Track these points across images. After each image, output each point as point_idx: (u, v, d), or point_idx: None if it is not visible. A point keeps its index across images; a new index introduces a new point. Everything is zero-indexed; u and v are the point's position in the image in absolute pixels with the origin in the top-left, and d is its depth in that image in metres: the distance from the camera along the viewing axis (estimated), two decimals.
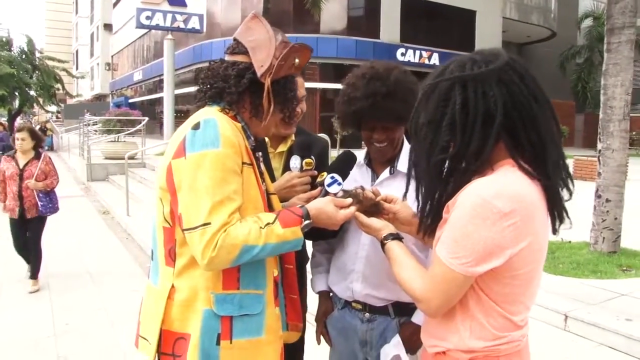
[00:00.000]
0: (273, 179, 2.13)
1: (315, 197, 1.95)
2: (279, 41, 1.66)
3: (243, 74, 1.65)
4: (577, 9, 34.62)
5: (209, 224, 1.47)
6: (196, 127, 1.55)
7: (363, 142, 2.09)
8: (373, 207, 1.77)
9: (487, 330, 1.39)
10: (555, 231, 1.46)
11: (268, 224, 1.56)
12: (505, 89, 1.34)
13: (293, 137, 2.31)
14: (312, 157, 2.07)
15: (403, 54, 26.26)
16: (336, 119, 2.19)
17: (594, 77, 29.92)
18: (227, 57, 1.73)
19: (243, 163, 1.59)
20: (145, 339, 1.67)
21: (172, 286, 1.61)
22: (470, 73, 1.36)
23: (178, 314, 1.60)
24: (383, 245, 1.64)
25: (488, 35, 28.18)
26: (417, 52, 26.79)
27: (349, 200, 1.75)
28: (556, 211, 1.43)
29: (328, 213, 1.69)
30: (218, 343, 1.58)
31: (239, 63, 1.67)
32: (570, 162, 14.68)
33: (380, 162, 2.11)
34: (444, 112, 1.37)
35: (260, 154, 1.81)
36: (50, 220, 6.10)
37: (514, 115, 1.34)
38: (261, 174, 1.76)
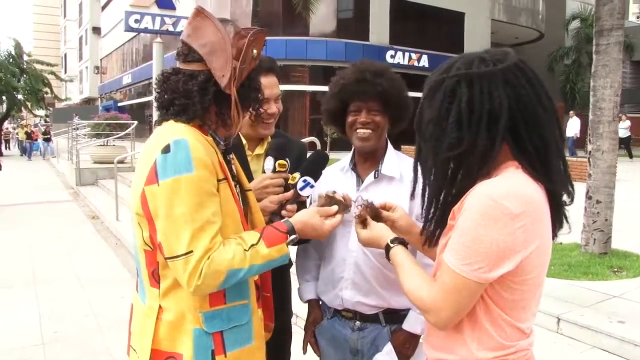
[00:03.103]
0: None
1: (287, 199, 1.91)
2: (231, 34, 1.54)
3: (205, 87, 1.53)
4: (564, 10, 34.88)
5: (191, 252, 1.42)
6: (166, 150, 1.46)
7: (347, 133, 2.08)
8: (372, 217, 1.72)
9: (495, 340, 1.35)
10: (555, 236, 1.43)
11: (252, 245, 1.51)
12: (511, 90, 1.32)
13: (270, 139, 2.26)
14: (287, 159, 2.02)
15: (392, 56, 26.33)
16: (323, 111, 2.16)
17: (583, 78, 30.18)
18: (181, 65, 1.59)
19: (218, 180, 1.53)
20: (134, 349, 1.64)
21: (160, 307, 1.57)
22: (477, 71, 1.33)
23: (166, 334, 1.55)
24: (388, 249, 1.57)
25: (477, 37, 28.31)
26: (407, 54, 26.88)
27: (335, 208, 1.69)
28: (557, 216, 1.40)
29: (314, 225, 1.65)
30: (213, 359, 1.55)
31: (197, 74, 1.54)
32: None
33: (363, 156, 2.09)
34: (449, 108, 1.33)
35: (232, 155, 1.75)
36: (39, 225, 6.03)
37: (517, 117, 1.32)
38: (233, 176, 1.69)
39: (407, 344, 1.99)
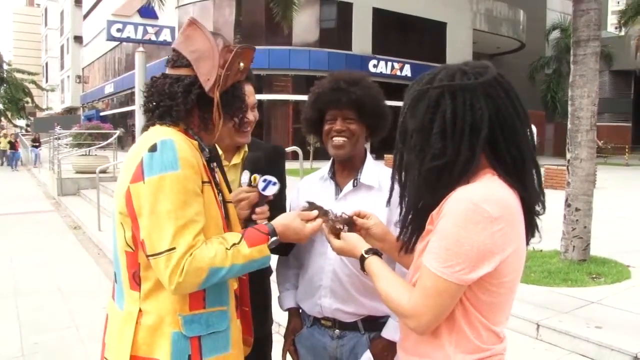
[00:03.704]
0: (230, 192, 2.11)
1: (254, 203, 1.93)
2: (220, 46, 1.61)
3: (190, 89, 1.60)
4: (545, 21, 35.46)
5: (173, 249, 1.44)
6: (153, 149, 1.50)
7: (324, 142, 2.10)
8: (346, 225, 1.74)
9: (472, 343, 1.38)
10: (527, 243, 1.47)
11: (234, 244, 1.54)
12: (492, 103, 1.36)
13: (247, 149, 2.29)
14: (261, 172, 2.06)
15: (375, 66, 26.53)
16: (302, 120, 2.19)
17: (563, 87, 30.66)
18: (170, 71, 1.65)
19: (203, 182, 1.56)
20: None
21: (140, 310, 1.57)
22: (460, 83, 1.37)
23: (145, 338, 1.56)
24: (363, 259, 1.59)
25: (459, 47, 28.64)
26: (389, 64, 27.10)
27: (315, 212, 1.73)
28: (530, 224, 1.45)
29: (295, 228, 1.68)
30: None
31: (183, 78, 1.61)
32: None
33: (341, 165, 2.12)
34: (432, 119, 1.37)
35: (214, 164, 1.78)
36: (19, 236, 5.96)
37: (497, 129, 1.36)
38: (217, 184, 1.72)
39: (385, 352, 1.99)
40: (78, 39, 50.73)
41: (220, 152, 2.23)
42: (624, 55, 29.67)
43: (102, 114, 41.34)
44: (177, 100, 1.59)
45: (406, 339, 1.54)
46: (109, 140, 15.95)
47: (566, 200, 6.07)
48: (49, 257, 7.70)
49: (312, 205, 1.77)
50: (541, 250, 6.41)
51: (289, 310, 2.23)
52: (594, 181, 6.12)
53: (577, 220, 5.95)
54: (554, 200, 6.87)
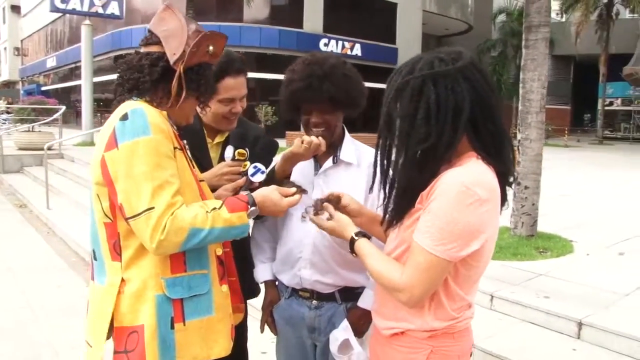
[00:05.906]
0: (210, 169, 2.15)
1: (240, 186, 2.00)
2: (192, 30, 1.67)
3: (156, 63, 1.67)
4: (491, 4, 36.16)
5: (152, 208, 1.49)
6: (124, 117, 1.56)
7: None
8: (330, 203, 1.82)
9: (447, 312, 1.51)
10: (500, 212, 1.56)
11: (214, 208, 1.60)
12: (470, 85, 1.46)
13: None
14: (247, 149, 2.10)
15: (326, 44, 26.48)
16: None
17: (508, 69, 31.47)
18: (142, 49, 1.73)
19: (175, 148, 1.62)
20: (88, 344, 1.64)
21: (122, 280, 1.60)
22: (440, 70, 1.46)
23: (128, 306, 1.59)
24: (353, 242, 1.67)
25: (409, 27, 28.91)
26: (340, 43, 27.10)
27: (293, 189, 1.82)
28: (504, 195, 1.56)
29: (273, 200, 1.75)
30: (172, 327, 1.60)
31: (152, 53, 1.69)
32: None
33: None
34: (417, 106, 1.45)
35: (185, 142, 1.82)
36: None
37: (476, 108, 1.46)
38: (190, 160, 1.78)
39: (362, 320, 2.07)
40: (15, 9, 48.28)
41: (204, 130, 2.26)
42: (565, 40, 30.66)
43: (43, 88, 39.72)
44: (144, 72, 1.65)
45: (384, 305, 1.64)
46: (54, 116, 15.39)
47: (516, 178, 6.31)
48: None
49: (291, 184, 1.86)
50: None
51: (266, 282, 2.27)
52: (542, 160, 6.39)
53: (526, 197, 6.21)
54: None
